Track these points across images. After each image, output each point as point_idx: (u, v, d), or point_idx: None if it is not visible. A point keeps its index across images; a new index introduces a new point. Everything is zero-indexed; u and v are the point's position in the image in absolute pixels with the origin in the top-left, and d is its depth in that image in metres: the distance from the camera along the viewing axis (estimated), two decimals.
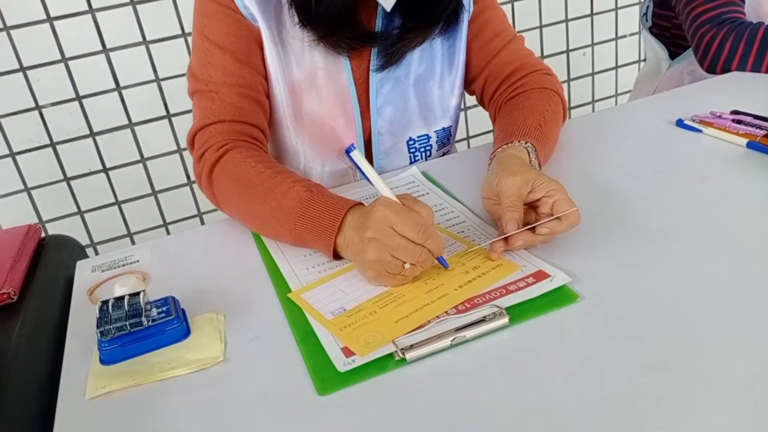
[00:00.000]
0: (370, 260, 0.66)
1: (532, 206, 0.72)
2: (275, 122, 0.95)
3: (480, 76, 0.99)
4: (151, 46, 1.76)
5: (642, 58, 2.41)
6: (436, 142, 1.02)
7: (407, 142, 0.99)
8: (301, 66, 0.91)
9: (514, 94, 0.96)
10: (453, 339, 0.58)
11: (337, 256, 0.73)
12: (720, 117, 0.95)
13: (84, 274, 0.79)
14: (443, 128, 1.02)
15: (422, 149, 1.01)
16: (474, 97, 1.05)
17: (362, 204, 0.73)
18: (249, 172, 0.80)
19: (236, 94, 0.87)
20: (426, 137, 1.01)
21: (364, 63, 0.93)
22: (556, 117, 0.92)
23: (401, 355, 0.57)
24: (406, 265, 0.66)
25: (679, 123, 0.96)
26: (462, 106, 1.17)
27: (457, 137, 1.12)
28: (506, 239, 0.69)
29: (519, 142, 0.83)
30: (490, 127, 0.98)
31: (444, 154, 1.05)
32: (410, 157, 1.01)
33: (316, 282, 0.70)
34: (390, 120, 0.97)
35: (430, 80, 0.97)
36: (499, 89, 0.99)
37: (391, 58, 0.91)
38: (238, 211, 0.83)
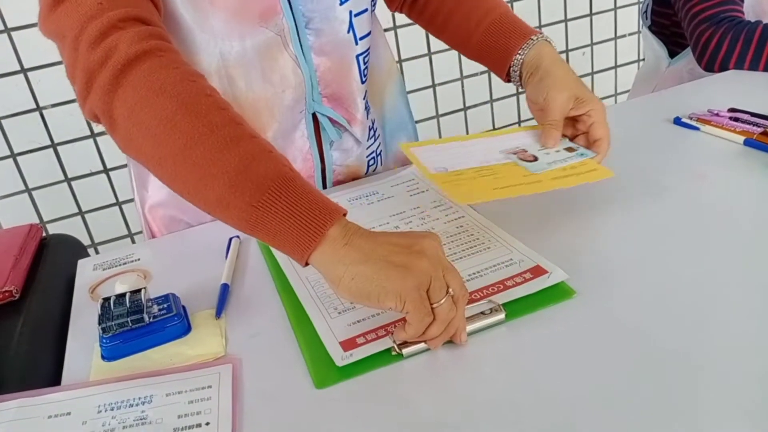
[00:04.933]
0: (416, 269, 0.53)
1: (573, 119, 0.81)
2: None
3: None
4: None
5: (641, 57, 2.42)
6: None
7: None
8: None
9: None
10: None
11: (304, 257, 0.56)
12: (717, 115, 0.95)
13: (85, 272, 0.80)
14: None
15: None
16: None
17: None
18: (202, 100, 0.59)
19: None
20: None
21: None
22: None
23: (398, 350, 0.58)
24: (450, 291, 0.55)
25: (677, 121, 0.97)
26: (463, 106, 1.15)
27: (457, 135, 1.12)
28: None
29: (536, 38, 0.84)
30: (489, 126, 0.98)
31: None
32: None
33: (427, 141, 0.83)
34: None
35: None
36: None
37: None
38: (166, 144, 0.58)
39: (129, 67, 0.60)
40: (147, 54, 0.60)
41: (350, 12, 0.82)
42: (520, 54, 0.85)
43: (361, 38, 0.86)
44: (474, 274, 0.68)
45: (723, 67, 1.16)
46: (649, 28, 1.43)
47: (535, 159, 0.77)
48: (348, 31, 0.83)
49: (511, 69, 0.87)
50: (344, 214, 0.57)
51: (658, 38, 1.41)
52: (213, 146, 0.56)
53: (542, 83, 0.81)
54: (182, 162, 0.57)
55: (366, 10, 0.85)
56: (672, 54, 1.38)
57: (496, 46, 0.87)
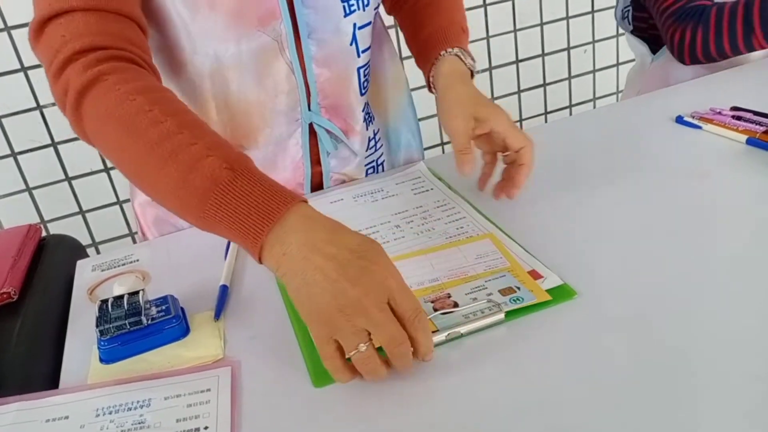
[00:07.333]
0: (328, 307, 0.50)
1: (485, 138, 0.78)
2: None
3: None
4: None
5: None
6: None
7: None
8: None
9: None
10: (448, 334, 0.58)
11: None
12: (720, 113, 0.95)
13: (84, 273, 0.79)
14: None
15: None
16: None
17: (307, 202, 0.56)
18: (139, 119, 0.58)
19: None
20: None
21: None
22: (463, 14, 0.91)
23: None
24: (362, 347, 0.51)
25: (679, 119, 0.96)
26: None
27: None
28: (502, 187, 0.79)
29: (444, 53, 0.84)
30: None
31: None
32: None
33: None
34: None
35: None
36: None
37: None
38: (124, 166, 0.62)
39: (81, 98, 0.61)
40: (92, 82, 0.61)
41: (354, 24, 0.82)
42: (432, 72, 0.85)
43: (363, 51, 0.86)
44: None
45: (707, 58, 1.15)
46: (632, 32, 1.43)
47: (455, 306, 0.62)
48: (351, 44, 0.83)
49: (432, 86, 0.86)
50: (298, 204, 0.55)
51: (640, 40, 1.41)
52: (155, 165, 0.57)
53: (440, 110, 0.79)
54: (141, 183, 0.61)
55: (369, 23, 0.85)
56: (655, 51, 1.38)
57: (423, 58, 0.88)
